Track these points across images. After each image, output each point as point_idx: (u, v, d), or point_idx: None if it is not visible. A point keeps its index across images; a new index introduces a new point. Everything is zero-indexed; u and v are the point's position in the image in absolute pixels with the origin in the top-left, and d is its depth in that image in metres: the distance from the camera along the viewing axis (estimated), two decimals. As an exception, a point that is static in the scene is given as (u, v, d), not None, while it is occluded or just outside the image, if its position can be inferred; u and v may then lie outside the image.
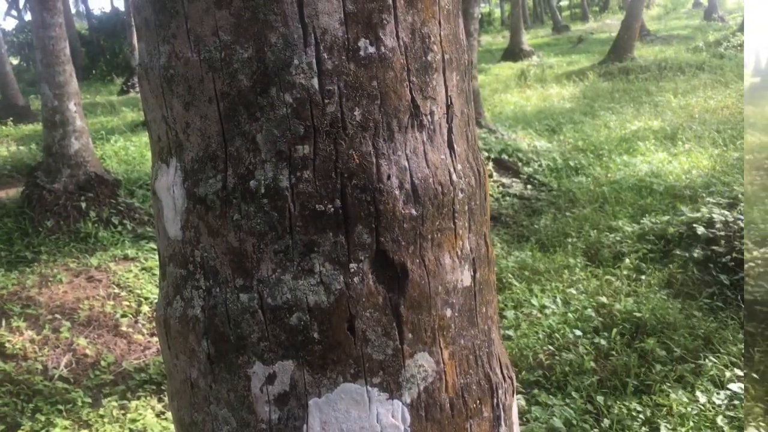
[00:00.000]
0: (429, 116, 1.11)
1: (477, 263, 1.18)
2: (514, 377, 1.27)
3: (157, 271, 6.98)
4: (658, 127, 11.88)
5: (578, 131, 12.29)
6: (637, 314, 5.62)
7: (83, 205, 7.97)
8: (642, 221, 7.59)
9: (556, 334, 5.57)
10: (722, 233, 6.73)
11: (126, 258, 7.33)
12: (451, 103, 1.15)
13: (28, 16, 32.36)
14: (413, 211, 1.08)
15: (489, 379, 1.18)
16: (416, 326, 1.09)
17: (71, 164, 8.18)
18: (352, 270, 1.06)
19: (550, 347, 5.40)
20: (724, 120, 11.85)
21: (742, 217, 6.82)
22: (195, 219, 1.10)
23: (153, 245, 7.54)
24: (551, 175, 10.24)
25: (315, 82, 1.04)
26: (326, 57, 1.04)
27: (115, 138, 12.48)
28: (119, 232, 7.96)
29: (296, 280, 1.06)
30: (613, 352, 5.20)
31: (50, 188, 8.04)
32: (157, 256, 7.24)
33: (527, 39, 27.79)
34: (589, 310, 5.87)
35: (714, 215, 7.03)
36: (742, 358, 4.96)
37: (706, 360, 4.95)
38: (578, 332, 5.56)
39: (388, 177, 1.06)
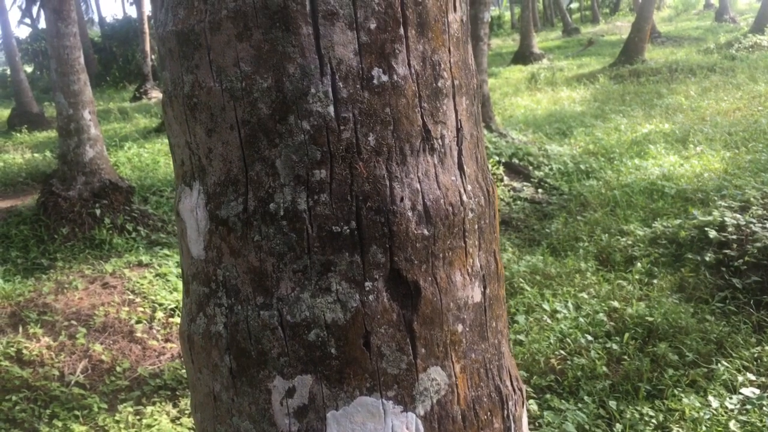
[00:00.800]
0: (440, 140, 1.16)
1: (487, 280, 1.23)
2: (523, 389, 1.31)
3: (170, 277, 7.07)
4: (669, 130, 11.83)
5: (589, 134, 12.26)
6: (649, 318, 5.61)
7: (98, 212, 8.07)
8: (654, 225, 7.57)
9: (568, 339, 5.57)
10: (734, 237, 6.71)
11: (140, 264, 7.41)
12: (461, 126, 1.20)
13: (42, 24, 32.72)
14: (425, 231, 1.13)
15: (499, 392, 1.23)
16: (429, 341, 1.14)
17: (86, 172, 8.28)
18: (368, 288, 1.12)
19: (562, 352, 5.41)
20: (735, 122, 11.79)
21: (754, 221, 6.81)
22: (217, 240, 1.16)
23: (167, 251, 7.62)
24: (562, 179, 10.24)
25: (331, 109, 1.10)
26: (341, 86, 1.09)
27: (129, 145, 12.60)
28: (133, 239, 8.05)
29: (314, 298, 1.12)
30: (625, 357, 5.20)
31: (65, 196, 8.14)
32: (170, 262, 7.33)
33: (537, 42, 27.77)
34: (601, 314, 5.86)
35: (726, 219, 7.00)
36: (755, 363, 4.96)
37: (719, 364, 4.94)
38: (590, 337, 5.56)
39: (401, 199, 1.11)
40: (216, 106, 1.14)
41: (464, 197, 1.18)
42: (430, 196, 1.14)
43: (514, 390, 1.27)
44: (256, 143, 1.12)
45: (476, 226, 1.20)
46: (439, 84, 1.16)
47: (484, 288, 1.23)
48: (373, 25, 1.09)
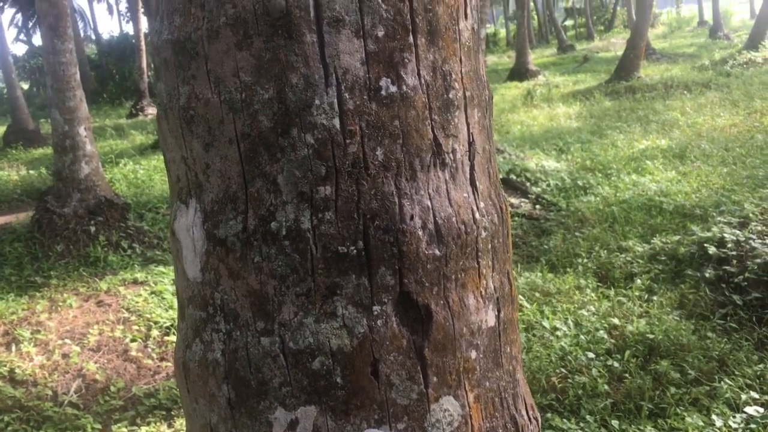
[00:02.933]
0: (451, 154, 1.10)
1: (501, 302, 1.16)
2: (539, 418, 1.24)
3: (166, 295, 6.99)
4: (666, 146, 11.83)
5: (586, 150, 12.26)
6: (650, 336, 5.54)
7: (93, 229, 7.99)
8: (652, 241, 7.52)
9: (569, 357, 5.49)
10: (734, 253, 6.66)
11: (135, 282, 7.32)
12: (473, 140, 1.13)
13: (38, 41, 32.78)
14: (437, 252, 1.06)
15: (515, 422, 1.16)
16: (441, 369, 1.07)
17: (81, 188, 8.22)
18: (376, 312, 1.04)
19: (563, 370, 5.33)
20: (732, 138, 11.80)
21: (753, 237, 6.77)
22: (215, 261, 1.09)
23: (162, 269, 7.54)
24: (560, 195, 10.20)
25: (336, 122, 1.03)
26: (348, 97, 1.03)
27: (125, 161, 12.55)
28: (129, 256, 7.97)
29: (318, 323, 1.04)
30: (627, 375, 5.13)
31: (60, 213, 8.07)
32: (166, 280, 7.25)
33: (533, 58, 27.87)
34: (601, 331, 5.79)
35: (725, 235, 6.96)
36: (758, 381, 4.89)
37: (721, 382, 4.86)
38: (591, 354, 5.48)
39: (411, 217, 1.04)
40: (214, 119, 1.07)
41: (477, 215, 1.11)
42: (441, 213, 1.07)
43: (530, 419, 1.20)
44: (256, 158, 1.05)
45: (489, 246, 1.13)
46: (450, 95, 1.09)
47: (498, 311, 1.15)
48: (381, 33, 1.03)
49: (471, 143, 1.14)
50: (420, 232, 1.05)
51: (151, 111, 21.50)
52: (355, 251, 1.03)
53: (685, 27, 39.50)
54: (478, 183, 1.14)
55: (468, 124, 1.13)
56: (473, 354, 1.11)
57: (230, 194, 1.08)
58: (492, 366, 1.14)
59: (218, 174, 1.08)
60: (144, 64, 21.64)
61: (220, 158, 1.08)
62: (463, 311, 1.10)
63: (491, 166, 1.19)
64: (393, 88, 1.04)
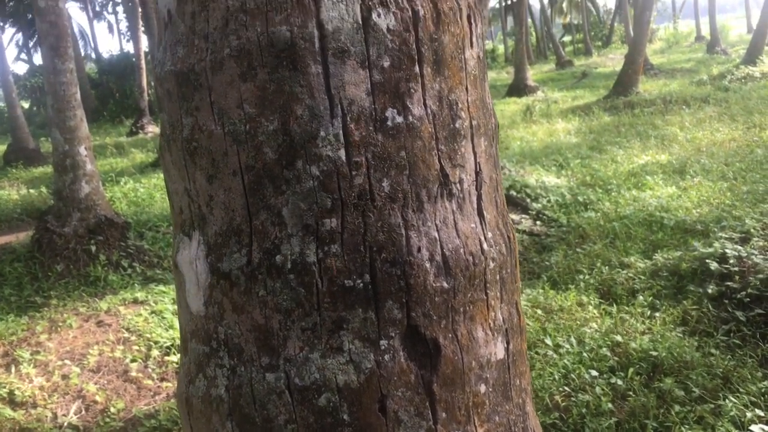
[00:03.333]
0: (458, 184, 1.08)
1: (510, 334, 1.13)
2: (549, 451, 1.21)
3: (166, 315, 6.95)
4: (665, 161, 11.83)
5: (586, 166, 12.25)
6: (654, 353, 5.50)
7: (93, 248, 7.97)
8: (654, 257, 7.49)
9: (572, 375, 5.45)
10: (736, 269, 6.63)
11: (136, 301, 7.28)
12: (480, 169, 1.12)
13: (38, 60, 32.93)
14: (445, 284, 1.04)
15: (525, 456, 1.13)
16: (450, 404, 1.04)
17: (81, 208, 8.20)
18: (383, 347, 1.02)
19: (566, 388, 5.28)
20: (732, 153, 11.80)
21: (755, 252, 6.74)
22: (219, 294, 1.07)
23: (163, 288, 7.50)
24: (560, 211, 10.17)
25: (342, 153, 1.01)
26: (353, 128, 1.01)
27: (125, 180, 12.56)
28: (129, 275, 7.94)
29: (325, 358, 1.02)
30: (631, 393, 5.08)
31: (60, 232, 8.05)
32: (166, 299, 7.22)
33: (531, 74, 27.99)
34: (604, 349, 5.75)
35: (727, 250, 6.93)
36: (763, 398, 4.85)
37: (726, 400, 4.82)
38: (594, 372, 5.43)
39: (419, 249, 1.02)
40: (217, 151, 1.05)
41: (485, 246, 1.09)
42: (449, 245, 1.05)
43: (540, 453, 1.17)
44: (261, 190, 1.04)
45: (498, 277, 1.11)
46: (457, 125, 1.08)
47: (507, 343, 1.13)
48: (386, 63, 1.02)
49: (478, 173, 1.12)
50: (427, 265, 1.03)
51: (152, 129, 21.56)
52: (361, 284, 1.01)
53: (683, 42, 39.71)
54: (485, 213, 1.12)
55: (475, 154, 1.11)
56: (482, 388, 1.09)
57: (234, 227, 1.06)
58: (501, 400, 1.12)
59: (222, 206, 1.06)
60: (144, 83, 21.73)
61: (223, 190, 1.06)
62: (472, 344, 1.08)
63: (498, 194, 1.17)
64: (399, 119, 1.03)
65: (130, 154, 16.62)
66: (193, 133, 1.08)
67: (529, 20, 39.86)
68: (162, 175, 12.69)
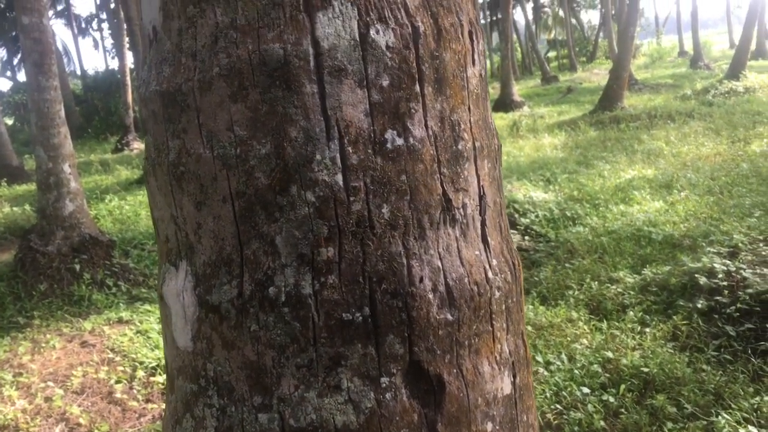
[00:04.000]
0: (461, 210, 1.02)
1: (516, 367, 1.07)
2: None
3: (152, 334, 6.84)
4: (652, 176, 11.89)
5: (573, 181, 12.28)
6: (645, 369, 5.47)
7: (77, 267, 7.85)
8: (643, 272, 7.48)
9: (563, 392, 5.40)
10: (725, 283, 6.64)
11: (120, 321, 7.17)
12: (484, 193, 1.06)
13: (22, 77, 32.77)
14: (449, 316, 0.98)
15: (533, 497, 1.07)
16: (455, 445, 0.98)
17: (65, 226, 8.09)
18: (384, 385, 0.95)
19: (558, 406, 5.23)
20: (717, 167, 11.88)
21: (744, 267, 6.75)
22: (207, 329, 1.00)
23: (148, 307, 7.40)
24: (548, 226, 10.17)
25: (339, 178, 0.95)
26: (351, 151, 0.95)
27: (110, 197, 12.45)
28: (113, 294, 7.83)
29: (321, 398, 0.95)
30: (623, 410, 5.04)
31: (44, 251, 7.93)
32: (152, 318, 7.11)
33: (517, 90, 28.16)
34: (596, 365, 5.71)
35: (716, 265, 6.94)
36: (755, 414, 4.82)
37: (719, 417, 4.79)
38: (585, 389, 5.39)
39: (421, 279, 0.96)
40: (206, 176, 0.99)
41: (490, 274, 1.03)
42: (452, 274, 0.99)
43: (549, 493, 1.11)
44: (252, 218, 0.97)
45: (503, 307, 1.05)
46: (460, 146, 1.02)
47: (514, 377, 1.07)
48: (385, 82, 0.96)
49: (482, 197, 1.06)
50: (430, 296, 0.97)
51: (137, 145, 21.45)
52: (360, 318, 0.95)
53: (666, 57, 40.13)
54: (489, 239, 1.06)
55: (478, 177, 1.06)
56: (489, 426, 1.02)
57: (224, 257, 0.99)
58: (509, 438, 1.06)
59: (211, 235, 1.00)
60: (129, 99, 21.64)
61: (212, 218, 0.99)
62: (478, 380, 1.01)
63: (502, 219, 1.12)
64: (399, 141, 0.97)
65: (115, 171, 16.50)
66: (180, 156, 1.01)
67: (514, 36, 40.14)
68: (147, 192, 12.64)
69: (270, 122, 0.95)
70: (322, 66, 0.95)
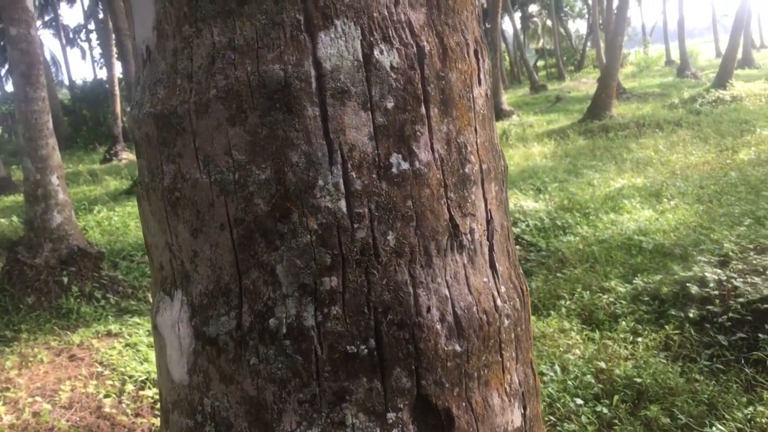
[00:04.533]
0: (469, 235, 0.98)
1: (526, 398, 1.03)
2: None
3: (141, 347, 6.76)
4: (641, 184, 11.92)
5: (563, 190, 12.29)
6: (638, 380, 5.45)
7: (65, 279, 7.76)
8: (634, 281, 7.48)
9: (557, 404, 5.37)
10: (716, 292, 6.65)
11: (109, 334, 7.09)
12: (491, 217, 1.02)
13: (10, 88, 32.58)
14: (457, 347, 0.93)
15: None
16: (465, 482, 0.94)
17: (53, 238, 8.01)
18: (390, 421, 0.91)
19: (552, 417, 5.19)
20: (706, 175, 11.93)
21: (735, 275, 6.76)
22: (204, 362, 0.95)
23: (137, 319, 7.31)
24: (539, 235, 10.16)
25: (342, 204, 0.91)
26: (355, 176, 0.91)
27: (98, 208, 12.35)
28: (102, 307, 7.74)
29: (325, 435, 0.91)
30: (617, 421, 5.01)
31: (31, 263, 7.84)
32: (141, 331, 7.03)
33: (506, 98, 28.26)
34: (589, 376, 5.69)
35: (707, 274, 6.95)
36: (749, 424, 4.80)
37: (713, 427, 4.77)
38: (579, 401, 5.36)
39: (428, 309, 0.92)
40: (203, 202, 0.94)
41: (498, 301, 0.99)
42: (461, 303, 0.95)
43: None
44: (251, 246, 0.93)
45: (513, 335, 1.01)
46: (467, 169, 0.98)
47: (524, 408, 1.03)
48: (390, 104, 0.92)
49: (489, 221, 1.02)
50: (438, 326, 0.93)
51: (126, 156, 21.34)
52: (366, 351, 0.90)
53: (654, 66, 40.43)
54: (497, 265, 1.02)
55: (485, 200, 1.02)
56: (499, 461, 0.98)
57: (222, 286, 0.95)
58: (519, 473, 1.02)
59: (208, 263, 0.95)
60: (118, 109, 21.54)
61: (209, 245, 0.95)
62: (488, 413, 0.97)
63: (510, 243, 1.08)
64: (405, 165, 0.93)
65: (103, 182, 16.40)
66: (176, 181, 0.96)
67: (503, 45, 40.30)
68: (137, 203, 12.59)
69: (270, 146, 0.91)
70: (325, 88, 0.91)
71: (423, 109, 0.94)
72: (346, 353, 0.91)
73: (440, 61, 0.97)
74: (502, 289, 1.02)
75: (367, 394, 0.91)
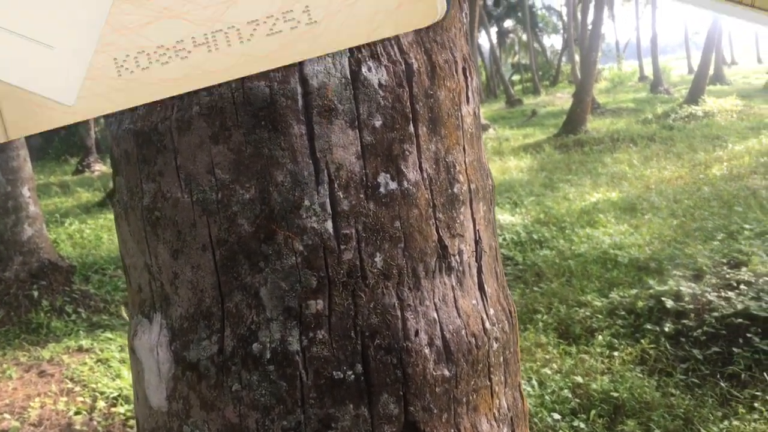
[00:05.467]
0: (457, 256, 0.96)
1: (515, 422, 1.01)
2: None
3: (113, 363, 6.64)
4: (616, 198, 12.05)
5: (539, 204, 12.38)
6: (614, 394, 5.48)
7: (35, 293, 7.63)
8: (610, 295, 7.53)
9: (535, 419, 5.37)
10: (691, 306, 6.72)
11: (80, 349, 6.96)
12: (479, 238, 1.00)
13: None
14: (446, 372, 0.91)
15: None
16: None
17: (24, 251, 7.87)
18: (378, 448, 0.88)
19: (530, 434, 5.17)
20: (679, 190, 12.09)
21: (709, 290, 6.84)
22: (184, 388, 0.91)
23: (109, 335, 7.20)
24: (516, 249, 10.20)
25: (329, 225, 0.88)
26: (342, 196, 0.89)
27: (70, 220, 12.16)
28: (73, 321, 7.61)
29: (310, 464, 0.88)
30: (594, 437, 5.02)
31: (1, 277, 7.70)
32: (113, 346, 6.91)
33: (482, 112, 28.42)
34: (566, 390, 5.70)
35: (681, 288, 7.03)
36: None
37: (689, 442, 4.79)
38: (556, 416, 5.37)
39: (416, 333, 0.90)
40: (184, 222, 0.91)
41: (487, 324, 0.97)
42: (449, 326, 0.93)
43: None
44: (235, 268, 0.89)
45: (501, 359, 0.99)
46: (455, 189, 0.96)
47: (513, 433, 1.01)
48: (378, 123, 0.90)
49: (477, 242, 1.00)
50: (426, 351, 0.90)
51: (98, 167, 21.09)
52: (352, 376, 0.88)
53: (627, 82, 41.00)
54: (486, 286, 1.01)
55: (474, 221, 1.00)
56: (488, 489, 0.96)
57: (203, 309, 0.91)
58: (508, 500, 1.00)
59: (189, 285, 0.92)
60: (91, 120, 21.32)
61: (191, 267, 0.91)
62: (477, 439, 0.95)
63: (498, 264, 1.06)
64: (393, 185, 0.91)
65: (75, 194, 16.17)
66: (156, 201, 0.93)
67: (479, 59, 40.63)
68: (109, 215, 12.36)
69: (254, 165, 0.88)
70: (311, 105, 0.88)
71: (411, 128, 0.92)
72: (333, 379, 0.88)
73: (429, 79, 0.95)
74: (491, 311, 1.00)
75: (354, 421, 0.88)
